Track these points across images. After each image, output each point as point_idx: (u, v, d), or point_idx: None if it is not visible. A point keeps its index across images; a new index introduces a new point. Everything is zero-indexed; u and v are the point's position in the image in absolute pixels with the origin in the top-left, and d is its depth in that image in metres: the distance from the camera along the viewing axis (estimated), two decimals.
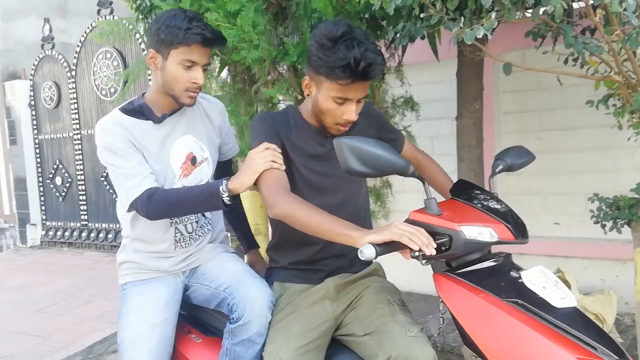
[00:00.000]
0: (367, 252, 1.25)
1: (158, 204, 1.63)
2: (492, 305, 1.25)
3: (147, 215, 1.65)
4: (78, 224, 6.59)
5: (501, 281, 1.31)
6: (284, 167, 1.58)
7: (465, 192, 1.50)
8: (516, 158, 1.61)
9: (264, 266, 2.01)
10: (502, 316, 1.23)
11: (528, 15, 1.79)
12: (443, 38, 2.44)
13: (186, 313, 1.92)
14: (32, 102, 6.87)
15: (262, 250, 2.11)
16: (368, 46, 1.47)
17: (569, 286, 2.60)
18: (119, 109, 1.75)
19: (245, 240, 2.17)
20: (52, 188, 6.81)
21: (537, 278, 1.30)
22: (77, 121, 6.40)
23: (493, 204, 1.42)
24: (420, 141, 3.29)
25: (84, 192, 6.48)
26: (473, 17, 1.78)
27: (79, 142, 6.43)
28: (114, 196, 5.46)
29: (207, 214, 1.88)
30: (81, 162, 6.45)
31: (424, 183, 1.35)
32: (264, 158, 1.56)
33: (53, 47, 6.60)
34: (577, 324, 1.21)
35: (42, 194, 6.96)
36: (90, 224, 6.49)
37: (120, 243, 1.91)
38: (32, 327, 3.90)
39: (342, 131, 1.61)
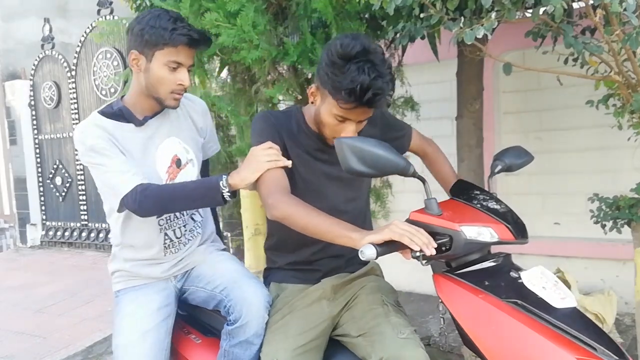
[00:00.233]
0: (367, 253, 1.24)
1: (151, 199, 1.57)
2: (491, 306, 1.25)
3: (139, 210, 1.59)
4: (78, 224, 6.60)
5: (501, 281, 1.31)
6: (289, 163, 1.55)
7: (465, 192, 1.50)
8: (515, 158, 1.62)
9: None
10: (501, 316, 1.23)
11: (528, 15, 1.79)
12: (443, 38, 2.44)
13: (185, 313, 1.92)
14: (32, 102, 6.87)
15: (262, 250, 2.10)
16: (380, 72, 1.41)
17: (568, 286, 2.60)
18: (98, 112, 1.69)
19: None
20: (52, 188, 6.81)
21: (536, 278, 1.30)
22: (77, 121, 6.40)
23: (493, 204, 1.42)
24: None
25: (84, 192, 6.48)
26: (473, 17, 1.78)
27: None
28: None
29: (197, 216, 1.85)
30: (81, 162, 6.44)
31: (424, 183, 1.34)
32: (269, 156, 1.54)
33: (53, 47, 6.60)
34: (576, 324, 1.21)
35: (42, 194, 6.96)
36: (90, 224, 6.49)
37: None
38: (32, 327, 3.90)
39: None
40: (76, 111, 6.41)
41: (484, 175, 2.62)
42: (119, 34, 3.86)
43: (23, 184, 7.00)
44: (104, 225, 6.31)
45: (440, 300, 1.36)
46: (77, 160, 6.46)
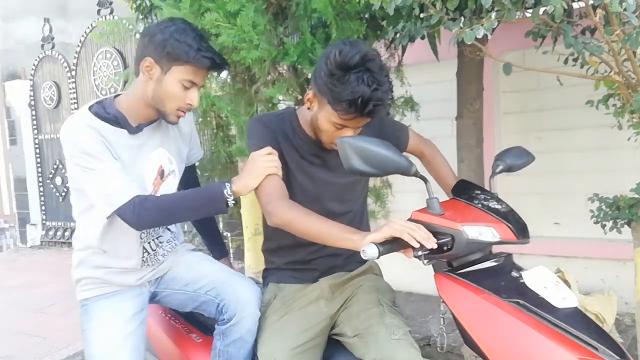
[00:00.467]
0: (369, 252, 1.25)
1: (151, 212, 1.51)
2: (493, 305, 1.25)
3: (136, 223, 1.53)
4: None
5: (502, 281, 1.31)
6: (281, 173, 1.56)
7: (466, 191, 1.50)
8: (516, 159, 1.62)
9: None
10: (503, 316, 1.23)
11: (528, 15, 1.78)
12: (443, 38, 2.43)
13: (186, 312, 1.92)
14: (32, 102, 6.86)
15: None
16: (379, 81, 1.41)
17: (569, 286, 2.60)
18: (91, 111, 1.58)
19: (216, 249, 2.10)
20: (52, 188, 6.81)
21: (538, 278, 1.30)
22: None
23: (494, 204, 1.42)
24: None
25: None
26: (473, 17, 1.77)
27: None
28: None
29: (172, 227, 1.82)
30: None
31: (426, 183, 1.35)
32: (269, 162, 1.54)
33: (53, 47, 6.60)
34: (578, 324, 1.21)
35: (42, 194, 6.95)
36: None
37: None
38: (32, 327, 3.90)
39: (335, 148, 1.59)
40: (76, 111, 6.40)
41: (484, 175, 2.62)
42: (118, 34, 3.87)
43: (23, 184, 7.00)
44: None
45: (441, 300, 1.36)
46: None
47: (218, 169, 3.72)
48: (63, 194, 6.71)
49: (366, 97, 1.39)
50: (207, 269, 1.81)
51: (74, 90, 6.40)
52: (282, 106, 2.76)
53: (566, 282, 2.59)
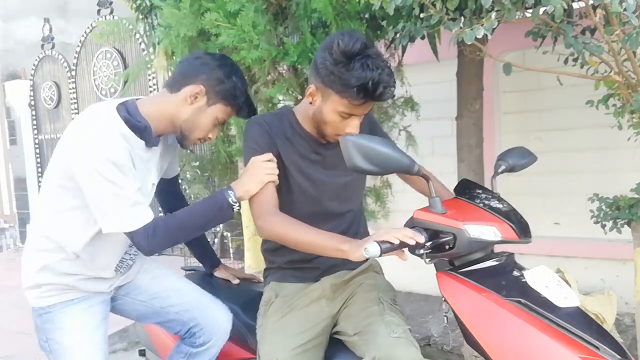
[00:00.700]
0: (371, 250, 1.26)
1: (164, 237, 1.50)
2: (495, 304, 1.26)
3: (149, 250, 1.51)
4: None
5: (504, 280, 1.32)
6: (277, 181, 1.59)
7: (468, 191, 1.51)
8: (518, 159, 1.62)
9: (234, 278, 2.03)
10: (505, 315, 1.24)
11: (528, 15, 1.78)
12: (443, 38, 2.43)
13: None
14: (32, 102, 6.86)
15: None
16: (383, 67, 1.45)
17: (569, 286, 2.60)
18: (123, 119, 1.51)
19: (208, 259, 2.07)
20: None
21: (539, 277, 1.31)
22: None
23: (496, 204, 1.42)
24: (420, 141, 3.29)
25: None
26: (473, 17, 1.78)
27: None
28: None
29: None
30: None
31: (428, 181, 1.35)
32: (270, 169, 1.56)
33: (53, 47, 6.60)
34: (579, 323, 1.21)
35: None
36: None
37: None
38: (32, 327, 3.89)
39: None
40: (76, 111, 6.40)
41: (484, 175, 2.62)
42: (118, 34, 3.86)
43: (23, 184, 7.00)
44: None
45: (443, 299, 1.36)
46: None
47: (218, 169, 3.72)
48: None
49: (375, 80, 1.42)
50: (178, 285, 1.81)
51: (74, 90, 6.39)
52: (282, 106, 2.76)
53: (566, 282, 2.59)
